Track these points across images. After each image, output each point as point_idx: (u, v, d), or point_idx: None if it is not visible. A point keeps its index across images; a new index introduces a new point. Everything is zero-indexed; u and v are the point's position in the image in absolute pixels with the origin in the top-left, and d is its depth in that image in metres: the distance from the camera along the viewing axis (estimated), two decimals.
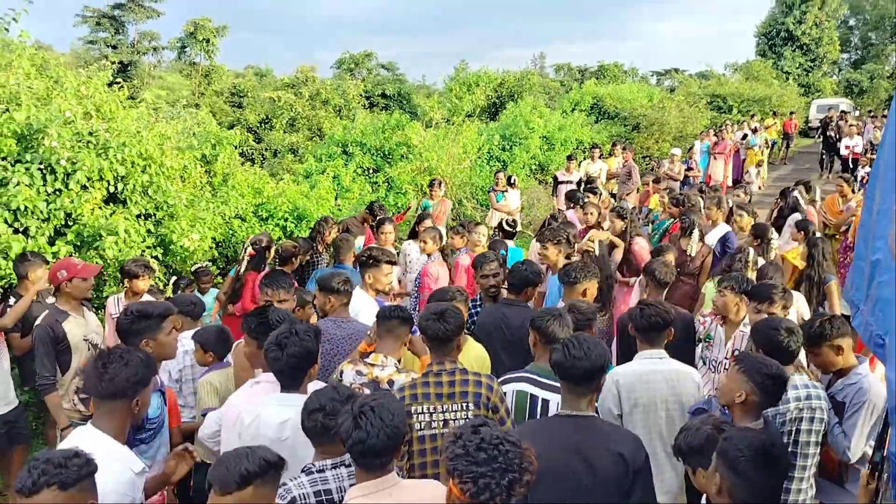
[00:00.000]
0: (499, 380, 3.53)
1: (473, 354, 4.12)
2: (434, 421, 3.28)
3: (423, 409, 3.27)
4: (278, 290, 4.63)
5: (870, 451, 3.35)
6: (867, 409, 3.57)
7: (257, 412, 3.09)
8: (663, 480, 3.61)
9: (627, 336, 4.38)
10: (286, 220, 9.44)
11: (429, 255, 6.81)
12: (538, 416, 3.36)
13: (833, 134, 19.31)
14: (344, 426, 2.44)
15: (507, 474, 2.07)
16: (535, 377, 3.47)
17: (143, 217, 7.22)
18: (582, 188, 10.77)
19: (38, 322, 4.64)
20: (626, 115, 21.62)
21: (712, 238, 7.32)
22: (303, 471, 2.73)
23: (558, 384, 3.34)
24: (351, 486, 2.58)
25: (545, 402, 3.38)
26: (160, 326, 3.46)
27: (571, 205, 9.51)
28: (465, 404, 3.24)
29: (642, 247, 6.99)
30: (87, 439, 2.62)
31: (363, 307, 4.76)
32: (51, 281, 4.83)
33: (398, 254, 7.79)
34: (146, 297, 5.58)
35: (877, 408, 3.55)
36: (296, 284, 5.87)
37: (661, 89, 31.50)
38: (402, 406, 2.61)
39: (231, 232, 8.63)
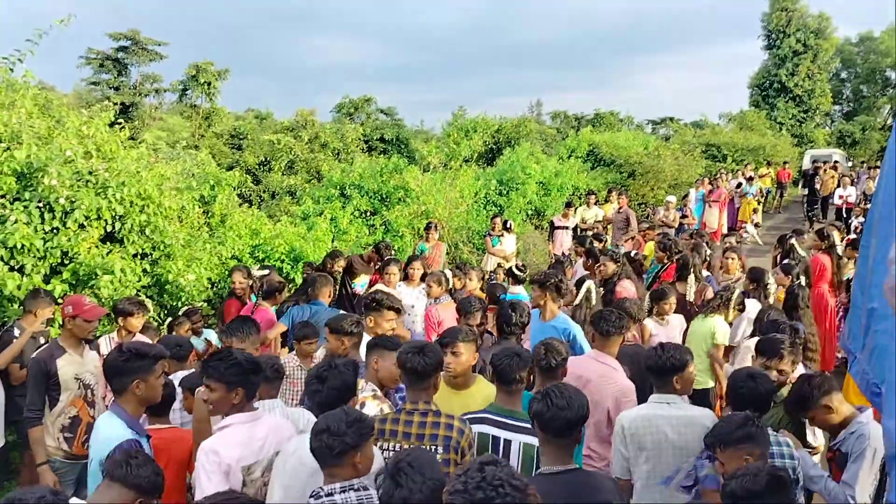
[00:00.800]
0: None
1: (484, 394, 3.96)
2: None
3: (389, 446, 3.23)
4: (231, 338, 4.50)
5: (869, 501, 3.31)
6: (869, 455, 3.45)
7: (303, 440, 3.01)
8: None
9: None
10: (282, 261, 9.44)
11: (435, 298, 6.68)
12: (500, 457, 3.26)
13: (819, 186, 19.47)
14: (384, 487, 2.37)
15: None
16: (493, 417, 3.45)
17: (139, 256, 7.21)
18: (591, 235, 10.78)
19: (33, 355, 4.67)
20: (621, 162, 21.79)
21: None
22: (311, 496, 2.67)
23: (519, 423, 3.38)
24: None
25: (507, 442, 3.37)
26: (153, 369, 3.39)
27: (582, 251, 9.50)
28: (434, 447, 3.19)
29: (625, 287, 7.01)
30: None
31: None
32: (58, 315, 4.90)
33: None
34: (139, 337, 5.55)
35: (878, 452, 3.43)
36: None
37: (657, 137, 31.86)
38: (436, 458, 2.56)
39: (227, 272, 8.61)
